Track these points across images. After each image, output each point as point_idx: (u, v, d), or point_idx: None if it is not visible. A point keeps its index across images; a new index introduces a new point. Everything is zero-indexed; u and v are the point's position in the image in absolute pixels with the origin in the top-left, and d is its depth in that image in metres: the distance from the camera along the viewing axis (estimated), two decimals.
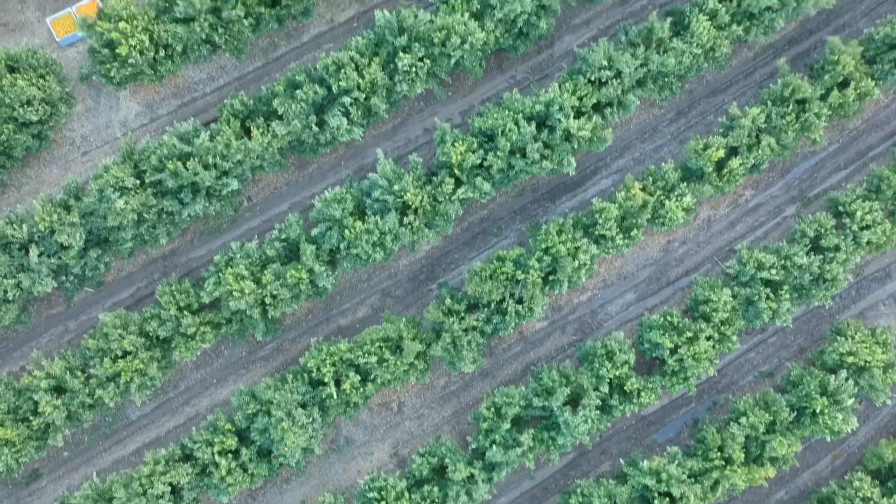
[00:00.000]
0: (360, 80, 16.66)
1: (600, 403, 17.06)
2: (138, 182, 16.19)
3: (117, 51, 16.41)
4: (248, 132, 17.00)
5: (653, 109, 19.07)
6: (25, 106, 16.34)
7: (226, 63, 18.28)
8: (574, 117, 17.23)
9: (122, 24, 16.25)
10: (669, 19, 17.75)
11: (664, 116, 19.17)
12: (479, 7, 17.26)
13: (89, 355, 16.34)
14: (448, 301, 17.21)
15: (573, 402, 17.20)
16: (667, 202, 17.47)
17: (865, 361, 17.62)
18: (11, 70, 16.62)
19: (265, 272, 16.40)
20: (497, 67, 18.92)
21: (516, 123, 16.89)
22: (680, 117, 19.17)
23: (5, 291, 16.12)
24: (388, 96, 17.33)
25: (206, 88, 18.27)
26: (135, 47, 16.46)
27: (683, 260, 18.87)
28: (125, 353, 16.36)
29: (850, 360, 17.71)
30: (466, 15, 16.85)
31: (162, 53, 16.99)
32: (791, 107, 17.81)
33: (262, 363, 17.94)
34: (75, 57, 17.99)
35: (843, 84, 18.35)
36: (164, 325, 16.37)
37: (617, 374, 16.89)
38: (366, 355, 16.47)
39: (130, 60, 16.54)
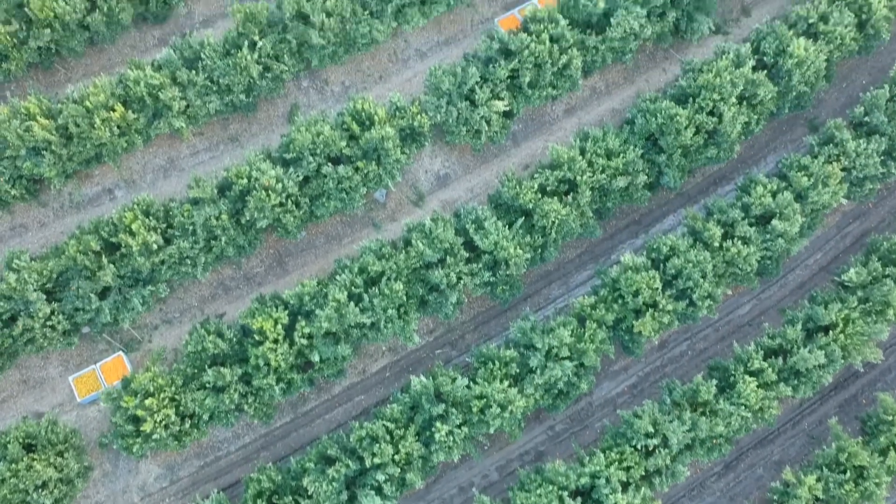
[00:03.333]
0: (395, 455, 15.82)
1: None
2: None
3: (142, 428, 15.66)
4: None
5: (699, 463, 18.15)
6: (40, 490, 15.35)
7: (252, 419, 17.54)
8: (622, 490, 16.27)
9: (148, 401, 15.61)
10: (714, 382, 17.14)
11: (711, 471, 18.18)
12: (517, 371, 16.76)
13: None
14: None
15: None
16: None
17: None
18: (28, 448, 15.78)
19: None
20: (535, 419, 18.17)
21: (561, 501, 15.88)
22: (728, 471, 18.18)
23: None
24: (423, 466, 16.43)
25: (230, 447, 17.38)
26: (160, 423, 15.73)
27: None
28: None
29: None
30: (505, 383, 16.31)
31: (188, 424, 16.26)
32: (849, 474, 16.88)
33: None
34: (96, 416, 17.22)
35: None
36: None
37: None
38: None
39: (154, 436, 15.77)
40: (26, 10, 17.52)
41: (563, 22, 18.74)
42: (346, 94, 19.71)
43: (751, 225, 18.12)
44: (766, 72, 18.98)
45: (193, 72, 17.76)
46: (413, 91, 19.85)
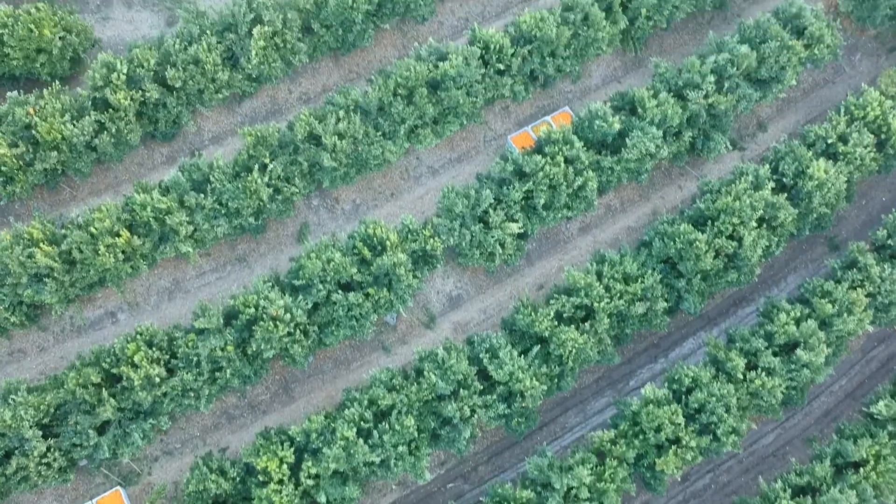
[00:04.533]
0: None
1: None
2: None
3: None
4: None
5: None
6: None
7: None
8: None
9: None
10: None
11: None
12: None
13: None
14: None
15: None
16: None
17: None
18: None
19: None
20: None
21: None
22: None
23: None
24: None
25: None
26: None
27: None
28: None
29: None
30: None
31: None
32: None
33: None
34: None
35: None
36: None
37: None
38: None
39: None
40: (34, 132, 17.24)
41: (578, 143, 18.44)
42: (357, 211, 19.33)
43: (775, 355, 17.51)
44: (785, 194, 18.62)
45: (202, 195, 17.38)
46: (425, 208, 19.47)
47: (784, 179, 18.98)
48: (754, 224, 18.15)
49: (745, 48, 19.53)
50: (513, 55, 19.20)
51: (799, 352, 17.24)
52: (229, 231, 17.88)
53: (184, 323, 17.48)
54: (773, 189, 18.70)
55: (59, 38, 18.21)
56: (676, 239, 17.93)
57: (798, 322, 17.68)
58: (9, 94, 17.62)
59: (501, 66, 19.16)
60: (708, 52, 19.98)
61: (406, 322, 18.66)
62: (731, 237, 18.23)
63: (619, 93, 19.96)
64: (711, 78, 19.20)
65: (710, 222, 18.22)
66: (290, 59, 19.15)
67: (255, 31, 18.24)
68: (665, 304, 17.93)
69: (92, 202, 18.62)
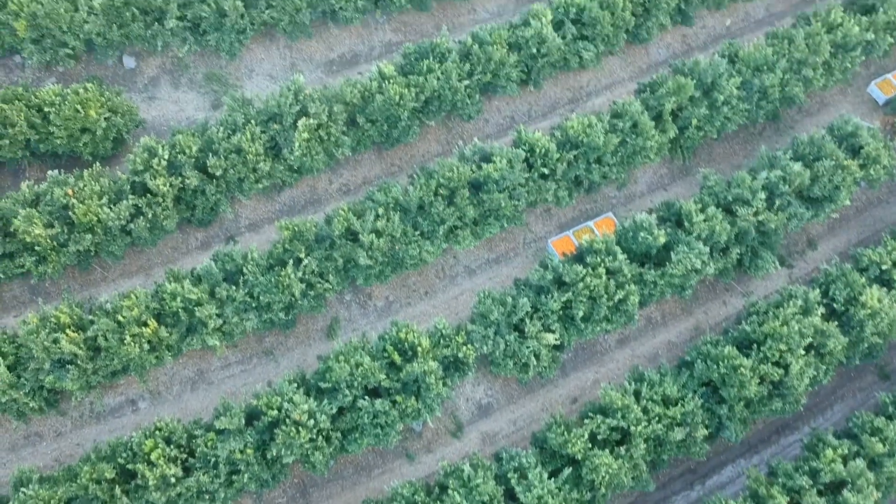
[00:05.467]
0: None
1: None
2: None
3: None
4: None
5: None
6: None
7: None
8: None
9: None
10: None
11: None
12: None
13: None
14: None
15: None
16: None
17: None
18: None
19: None
20: None
21: None
22: None
23: None
24: None
25: None
26: None
27: None
28: None
29: None
30: None
31: None
32: None
33: None
34: None
35: None
36: None
37: None
38: None
39: None
40: (70, 213, 17.06)
41: (621, 255, 17.89)
42: (389, 309, 18.84)
43: (820, 494, 16.53)
44: (836, 321, 17.85)
45: (233, 287, 17.02)
46: (460, 309, 18.94)
47: (834, 305, 18.23)
48: (802, 352, 17.35)
49: (798, 166, 18.99)
50: (558, 160, 18.83)
51: (846, 493, 16.25)
52: (259, 325, 17.46)
53: (205, 415, 17.00)
54: (822, 315, 17.93)
55: (105, 118, 18.18)
56: (720, 363, 17.17)
57: (845, 460, 16.75)
58: (50, 172, 17.53)
59: (546, 171, 18.78)
60: (759, 167, 19.47)
61: (432, 429, 17.99)
62: (777, 364, 17.42)
63: (666, 203, 19.45)
64: (762, 195, 18.64)
65: (755, 346, 17.46)
66: (333, 152, 18.94)
67: (300, 122, 18.08)
68: (705, 431, 17.09)
69: (123, 284, 18.36)
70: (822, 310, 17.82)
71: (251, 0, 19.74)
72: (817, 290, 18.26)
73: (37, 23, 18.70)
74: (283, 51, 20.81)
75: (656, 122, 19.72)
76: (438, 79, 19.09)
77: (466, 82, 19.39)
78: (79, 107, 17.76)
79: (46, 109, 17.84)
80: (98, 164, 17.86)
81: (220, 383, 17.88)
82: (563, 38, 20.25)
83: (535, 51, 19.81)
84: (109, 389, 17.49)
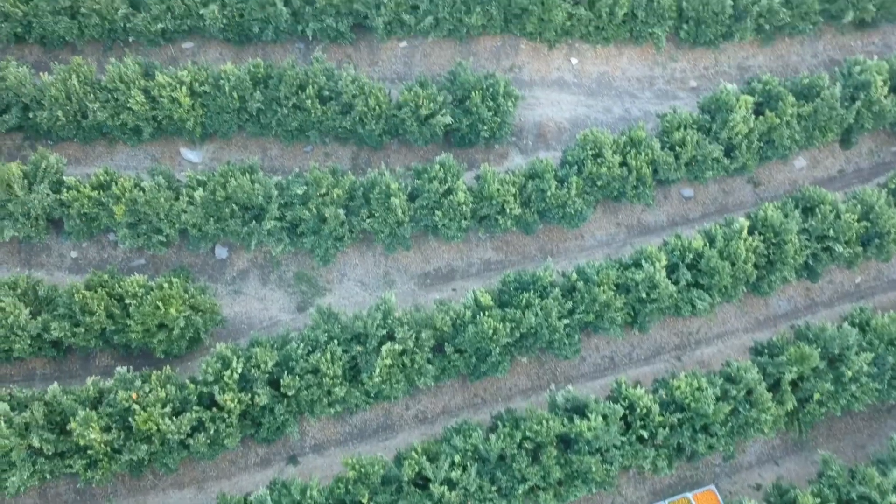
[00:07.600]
0: None
1: None
2: None
3: None
4: None
5: None
6: None
7: None
8: None
9: None
10: None
11: None
12: None
13: None
14: None
15: None
16: None
17: None
18: None
19: None
20: None
21: None
22: None
23: None
24: None
25: None
26: None
27: None
28: None
29: None
30: None
31: None
32: None
33: None
34: None
35: None
36: None
37: None
38: None
39: None
40: (131, 418, 15.99)
41: None
42: None
43: None
44: None
45: None
46: None
47: None
48: None
49: None
50: (660, 424, 16.94)
51: None
52: None
53: None
54: None
55: (184, 317, 17.38)
56: None
57: None
58: (118, 369, 16.65)
59: (645, 434, 16.88)
60: (889, 461, 17.11)
61: None
62: None
63: (778, 487, 17.16)
64: (893, 498, 16.22)
65: None
66: (415, 380, 17.57)
67: (384, 348, 16.86)
68: None
69: (173, 496, 17.06)
70: None
71: (353, 208, 19.07)
72: None
73: (135, 209, 18.38)
74: (378, 258, 19.94)
75: (773, 390, 17.74)
76: (537, 315, 17.74)
77: (567, 321, 17.95)
78: (160, 303, 17.04)
79: (128, 301, 17.20)
80: (168, 367, 16.92)
81: None
82: (676, 283, 18.76)
83: (644, 295, 18.34)
84: None
